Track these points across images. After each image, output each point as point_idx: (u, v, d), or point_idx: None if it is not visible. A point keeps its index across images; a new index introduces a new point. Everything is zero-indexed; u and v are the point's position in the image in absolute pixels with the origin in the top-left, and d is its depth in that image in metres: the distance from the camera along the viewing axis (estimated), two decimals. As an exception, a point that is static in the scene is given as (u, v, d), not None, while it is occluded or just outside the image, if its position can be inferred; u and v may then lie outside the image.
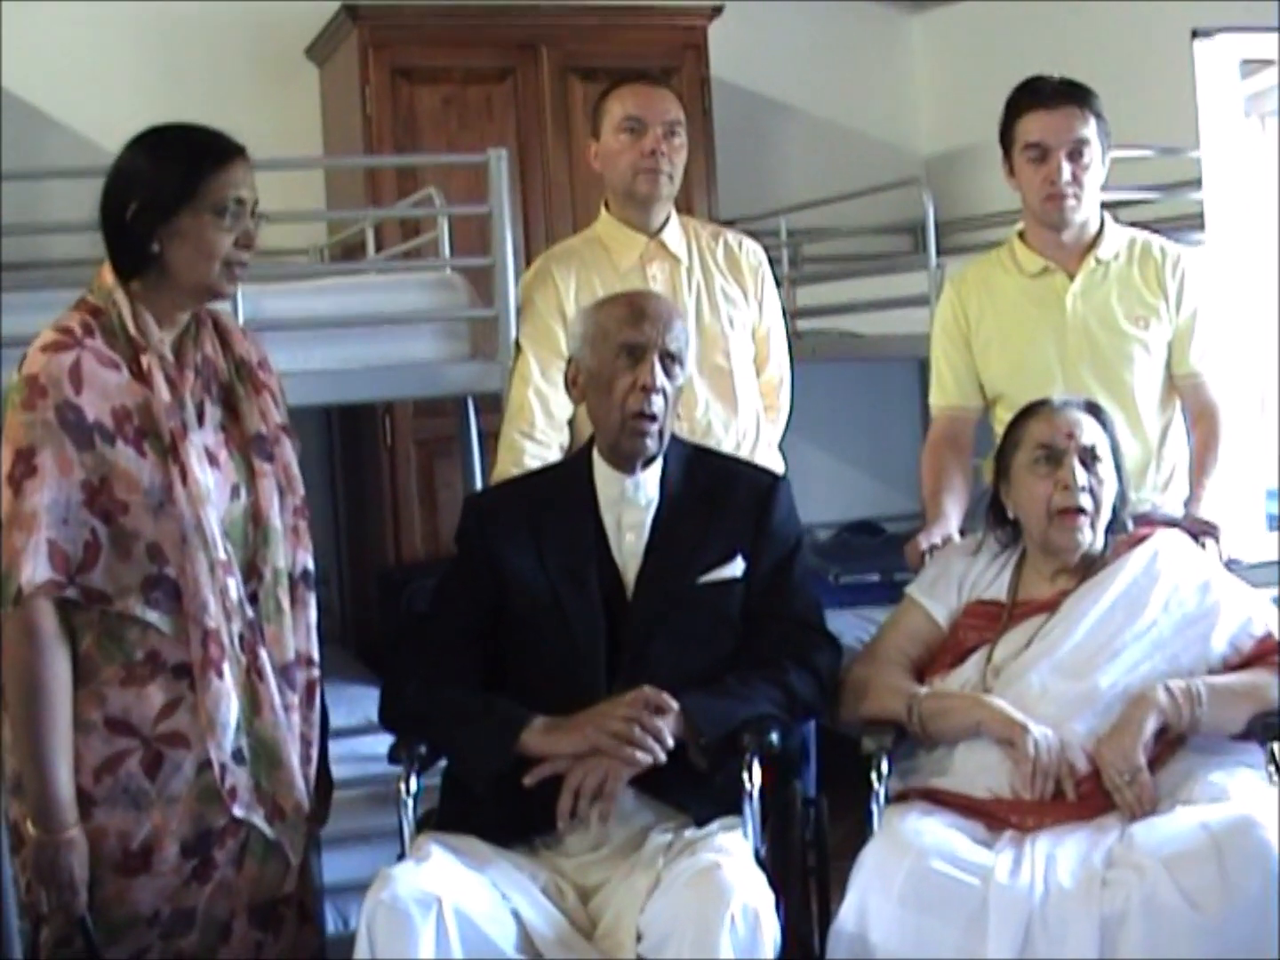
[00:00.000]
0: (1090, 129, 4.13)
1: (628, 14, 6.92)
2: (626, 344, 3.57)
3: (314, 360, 4.50)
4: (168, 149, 3.31)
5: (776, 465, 4.53)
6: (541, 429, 4.32)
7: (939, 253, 5.84)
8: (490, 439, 4.55)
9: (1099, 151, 4.16)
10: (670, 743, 3.33)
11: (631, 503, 3.62)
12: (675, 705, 3.35)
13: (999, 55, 6.93)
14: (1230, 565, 4.03)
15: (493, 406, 4.64)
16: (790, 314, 6.44)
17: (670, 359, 3.57)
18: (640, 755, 3.30)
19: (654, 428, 3.57)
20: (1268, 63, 5.47)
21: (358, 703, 4.78)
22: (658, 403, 3.56)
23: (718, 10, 7.06)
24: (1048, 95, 4.15)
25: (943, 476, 4.31)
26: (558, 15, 6.85)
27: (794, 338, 6.25)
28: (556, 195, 6.77)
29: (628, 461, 3.62)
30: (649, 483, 3.64)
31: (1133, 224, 4.49)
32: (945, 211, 7.24)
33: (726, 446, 4.39)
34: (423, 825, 3.50)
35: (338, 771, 3.71)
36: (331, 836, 3.81)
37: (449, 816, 3.50)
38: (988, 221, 6.81)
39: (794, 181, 7.51)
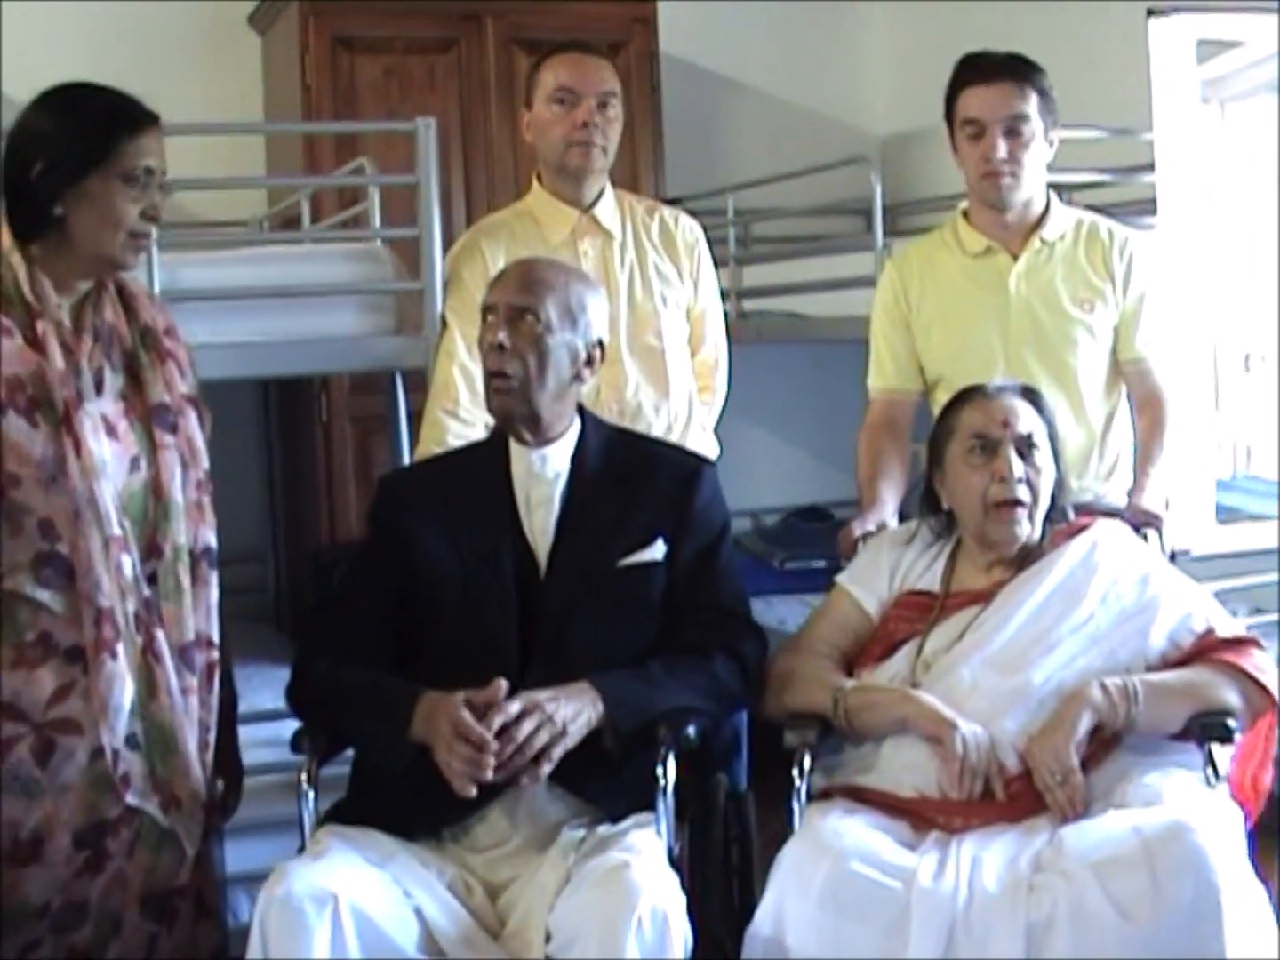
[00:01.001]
0: (1030, 105, 4.00)
1: (575, -15, 6.78)
2: (486, 306, 3.53)
3: (233, 332, 4.36)
4: (81, 109, 3.18)
5: (709, 449, 4.41)
6: (466, 407, 4.19)
7: (893, 234, 5.74)
8: (419, 419, 4.41)
9: (1040, 129, 4.03)
10: (494, 743, 3.17)
11: (539, 478, 3.50)
12: (513, 710, 3.20)
13: (956, 34, 6.74)
14: (1177, 557, 3.94)
15: (421, 385, 4.49)
16: (736, 294, 6.37)
17: (521, 315, 3.45)
18: (467, 787, 3.18)
19: (504, 384, 3.46)
20: (1227, 46, 5.36)
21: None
22: (505, 362, 3.45)
23: (667, -17, 6.92)
24: (985, 71, 4.03)
25: (879, 462, 4.19)
26: (503, -15, 6.71)
27: (740, 318, 6.21)
28: (500, 168, 6.62)
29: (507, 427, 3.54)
30: (556, 457, 3.51)
31: (1088, 207, 4.38)
32: (901, 193, 7.16)
33: (657, 429, 4.28)
34: (331, 815, 3.37)
35: (263, 756, 3.64)
36: (253, 823, 3.74)
37: (354, 807, 3.37)
38: (944, 203, 6.60)
39: (745, 161, 7.36)
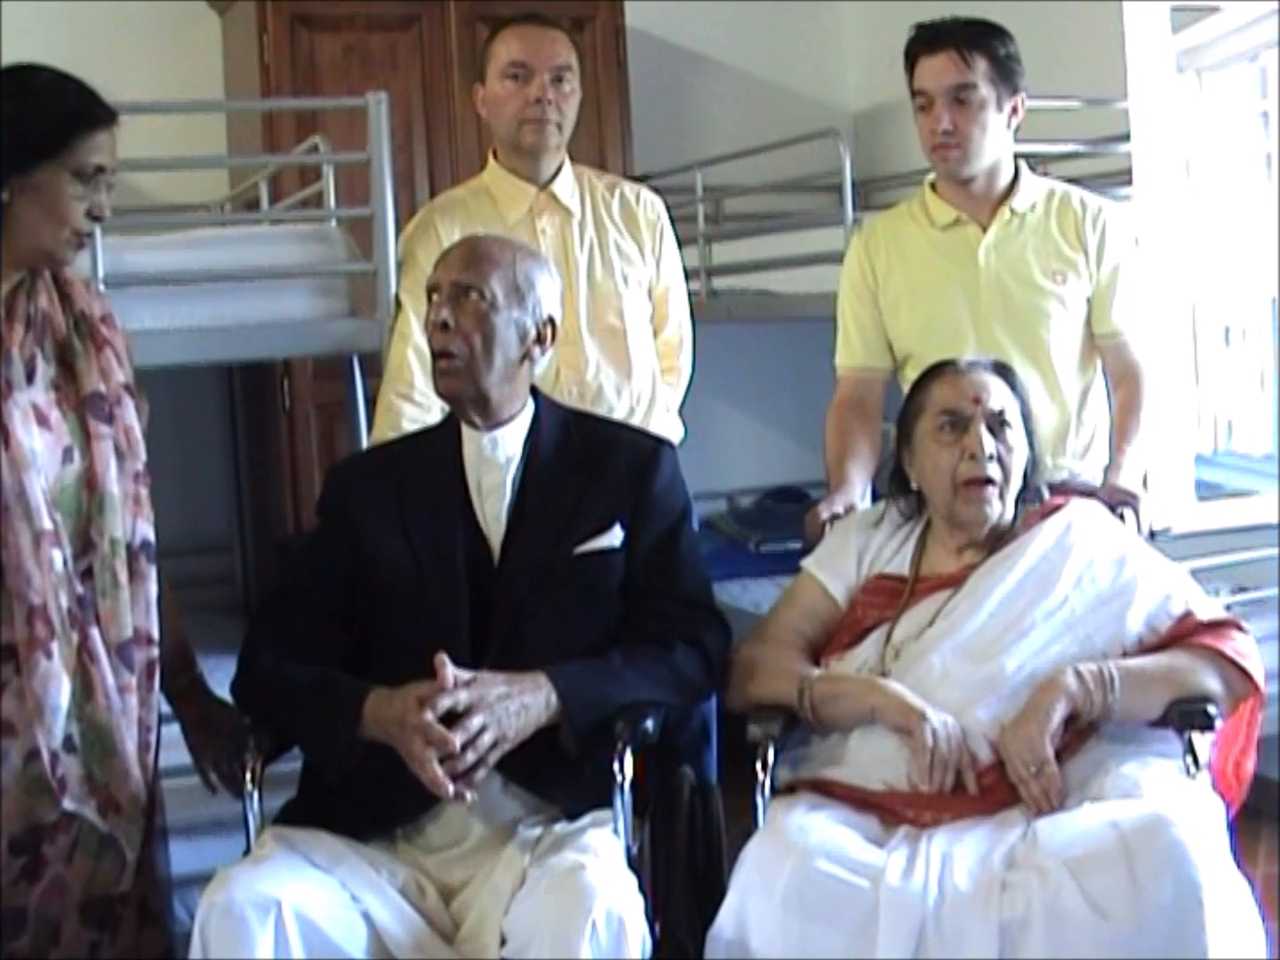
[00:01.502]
0: (978, 73, 3.88)
1: (539, -41, 6.64)
2: (430, 285, 3.43)
3: (180, 317, 4.23)
4: (41, 97, 3.05)
5: (674, 431, 4.31)
6: (421, 390, 4.06)
7: (866, 209, 5.63)
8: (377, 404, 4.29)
9: (991, 97, 3.91)
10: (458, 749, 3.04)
11: (490, 462, 3.38)
12: (462, 700, 3.07)
13: (929, 5, 6.64)
14: (1157, 536, 3.83)
15: (380, 369, 4.36)
16: (706, 272, 6.25)
17: (466, 293, 3.33)
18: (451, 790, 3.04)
19: (449, 364, 3.34)
20: (1202, 14, 5.26)
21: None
22: (450, 341, 3.33)
23: (634, -43, 6.78)
24: (930, 40, 3.94)
25: (847, 442, 4.09)
26: (466, -40, 6.58)
27: (710, 297, 6.09)
28: (463, 147, 6.49)
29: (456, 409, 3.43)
30: (508, 440, 3.39)
31: (1064, 179, 4.27)
32: (874, 167, 7.05)
33: (619, 411, 4.18)
34: (281, 817, 3.25)
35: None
36: (208, 822, 3.68)
37: (304, 808, 3.25)
38: (917, 178, 6.40)
39: (715, 137, 7.22)
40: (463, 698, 3.06)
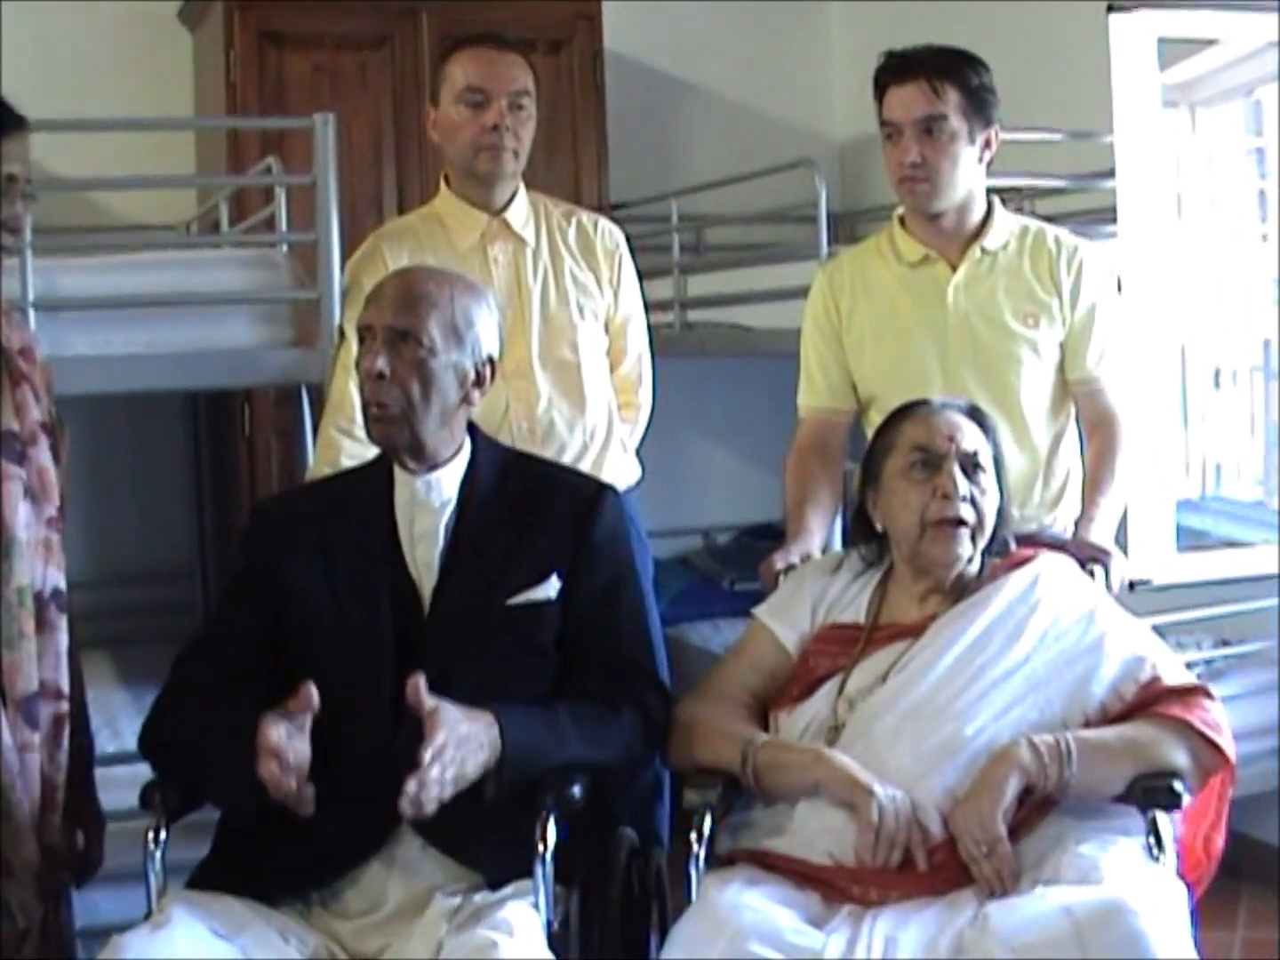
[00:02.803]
0: (948, 104, 3.72)
1: (516, -22, 6.49)
2: (362, 326, 3.23)
3: (115, 344, 4.10)
4: None
5: (630, 472, 4.15)
6: (363, 425, 3.87)
7: (850, 241, 5.46)
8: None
9: (963, 130, 3.74)
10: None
11: (424, 506, 3.19)
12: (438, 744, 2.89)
13: (917, 33, 6.46)
14: (1136, 587, 3.67)
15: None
16: (680, 304, 6.10)
17: (403, 338, 3.13)
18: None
19: (384, 414, 3.15)
20: (1195, 48, 5.11)
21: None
22: (385, 392, 3.13)
23: (613, -23, 6.63)
24: (899, 70, 3.78)
25: (808, 487, 3.91)
26: (440, -22, 6.42)
27: (684, 330, 5.94)
28: (435, 169, 6.24)
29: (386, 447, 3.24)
30: (446, 482, 3.21)
31: (1046, 217, 4.11)
32: (860, 199, 6.92)
33: (571, 448, 4.02)
34: (194, 879, 3.08)
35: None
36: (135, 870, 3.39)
37: (217, 869, 3.08)
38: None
39: (695, 165, 7.06)
40: (439, 741, 2.89)
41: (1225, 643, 5.32)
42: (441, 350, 3.14)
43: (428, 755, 2.84)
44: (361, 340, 3.20)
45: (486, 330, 3.22)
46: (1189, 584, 4.74)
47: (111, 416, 6.21)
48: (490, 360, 3.22)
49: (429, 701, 2.89)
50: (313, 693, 2.90)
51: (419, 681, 2.90)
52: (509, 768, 2.95)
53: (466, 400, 3.20)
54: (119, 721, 4.77)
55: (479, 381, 3.21)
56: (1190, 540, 4.86)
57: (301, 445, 4.45)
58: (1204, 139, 5.46)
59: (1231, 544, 5.11)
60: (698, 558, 7.18)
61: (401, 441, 3.16)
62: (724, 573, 6.86)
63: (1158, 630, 4.71)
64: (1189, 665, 4.89)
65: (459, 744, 2.89)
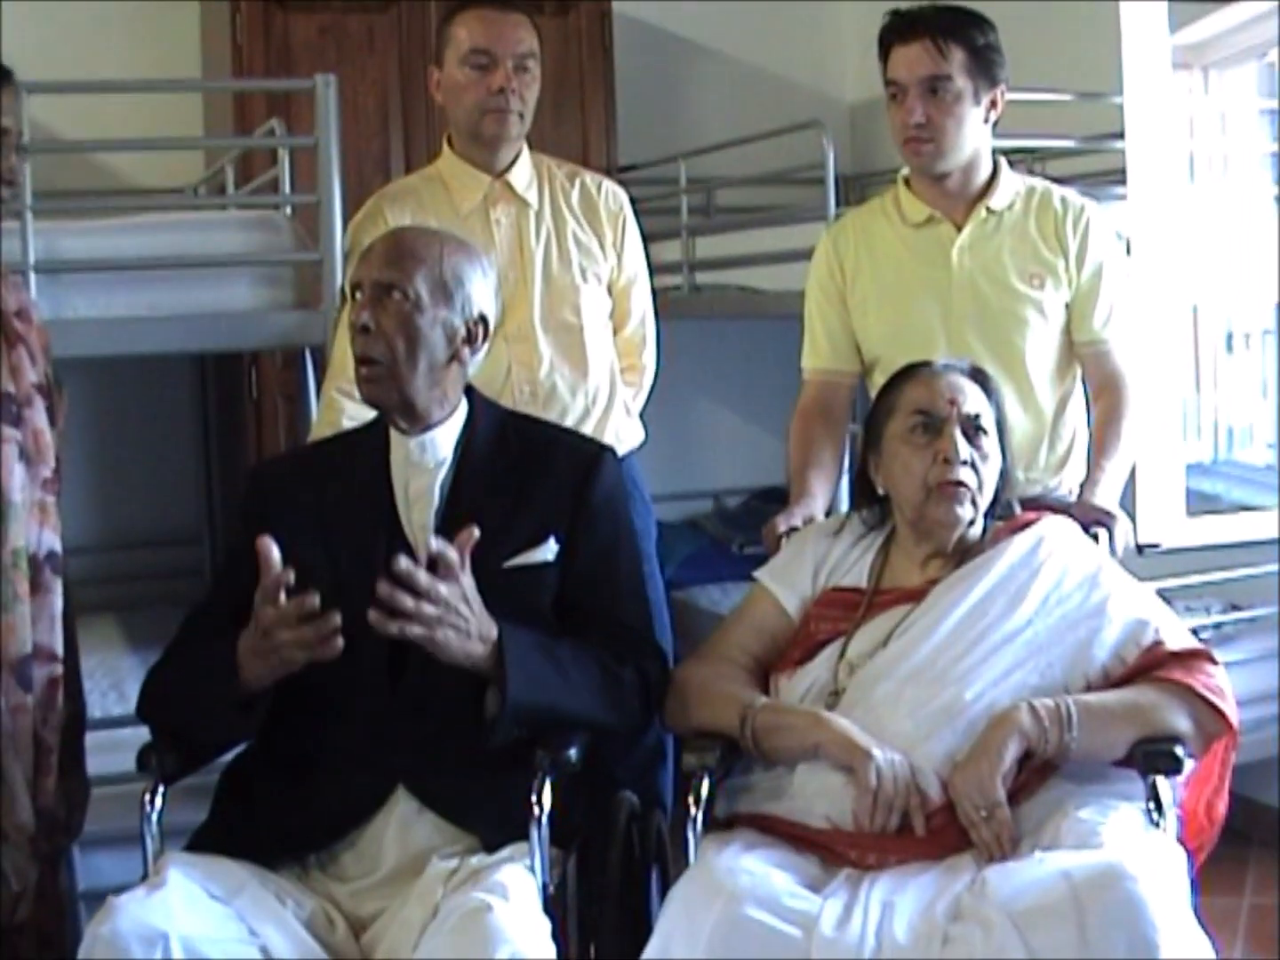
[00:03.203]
0: (953, 64, 3.68)
1: (522, -62, 6.45)
2: (353, 283, 3.22)
3: (116, 307, 4.09)
4: None
5: (633, 434, 4.14)
6: None
7: (858, 203, 5.41)
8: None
9: (968, 90, 3.70)
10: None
11: (418, 467, 3.17)
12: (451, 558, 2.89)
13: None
14: (1145, 551, 3.64)
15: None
16: (689, 266, 6.07)
17: (388, 292, 3.11)
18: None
19: (371, 371, 3.12)
20: (1206, 9, 5.08)
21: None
22: (371, 346, 3.11)
23: (622, -63, 6.58)
24: (903, 29, 3.73)
25: (811, 449, 3.89)
26: (446, -61, 6.37)
27: (692, 292, 5.91)
28: (442, 131, 6.26)
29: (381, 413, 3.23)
30: (441, 442, 3.18)
31: (1057, 178, 4.08)
32: (871, 161, 6.88)
33: (574, 412, 4.01)
34: (194, 841, 3.06)
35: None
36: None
37: (215, 833, 3.07)
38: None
39: (704, 127, 6.99)
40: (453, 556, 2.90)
41: (1235, 607, 5.29)
42: (428, 306, 3.11)
43: (424, 579, 2.84)
44: (353, 297, 3.18)
45: (479, 290, 3.18)
46: (1199, 548, 4.70)
47: (120, 381, 6.21)
48: (483, 319, 3.19)
49: (452, 554, 2.89)
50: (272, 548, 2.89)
51: (474, 533, 2.90)
52: (508, 692, 2.92)
53: (457, 359, 3.17)
54: (126, 685, 4.76)
55: (470, 340, 3.17)
56: (1202, 504, 4.83)
57: (306, 408, 4.44)
58: (1216, 101, 5.42)
59: (1243, 508, 5.08)
60: (707, 521, 7.17)
61: (389, 399, 3.13)
62: (733, 536, 6.83)
63: (1166, 594, 4.73)
64: (1198, 630, 4.90)
65: (450, 608, 2.88)
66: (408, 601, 2.83)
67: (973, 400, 3.25)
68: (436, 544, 2.88)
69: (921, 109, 3.69)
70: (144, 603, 5.96)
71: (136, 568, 6.37)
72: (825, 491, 3.81)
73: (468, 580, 2.91)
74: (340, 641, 2.86)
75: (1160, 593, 4.53)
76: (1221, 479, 5.31)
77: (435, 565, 2.88)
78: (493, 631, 2.95)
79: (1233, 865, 5.02)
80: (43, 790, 3.00)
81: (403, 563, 2.83)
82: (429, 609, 2.85)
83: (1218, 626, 5.21)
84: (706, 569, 6.69)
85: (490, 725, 2.94)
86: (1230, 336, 5.41)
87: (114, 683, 4.83)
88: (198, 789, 3.19)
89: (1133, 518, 3.79)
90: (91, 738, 3.62)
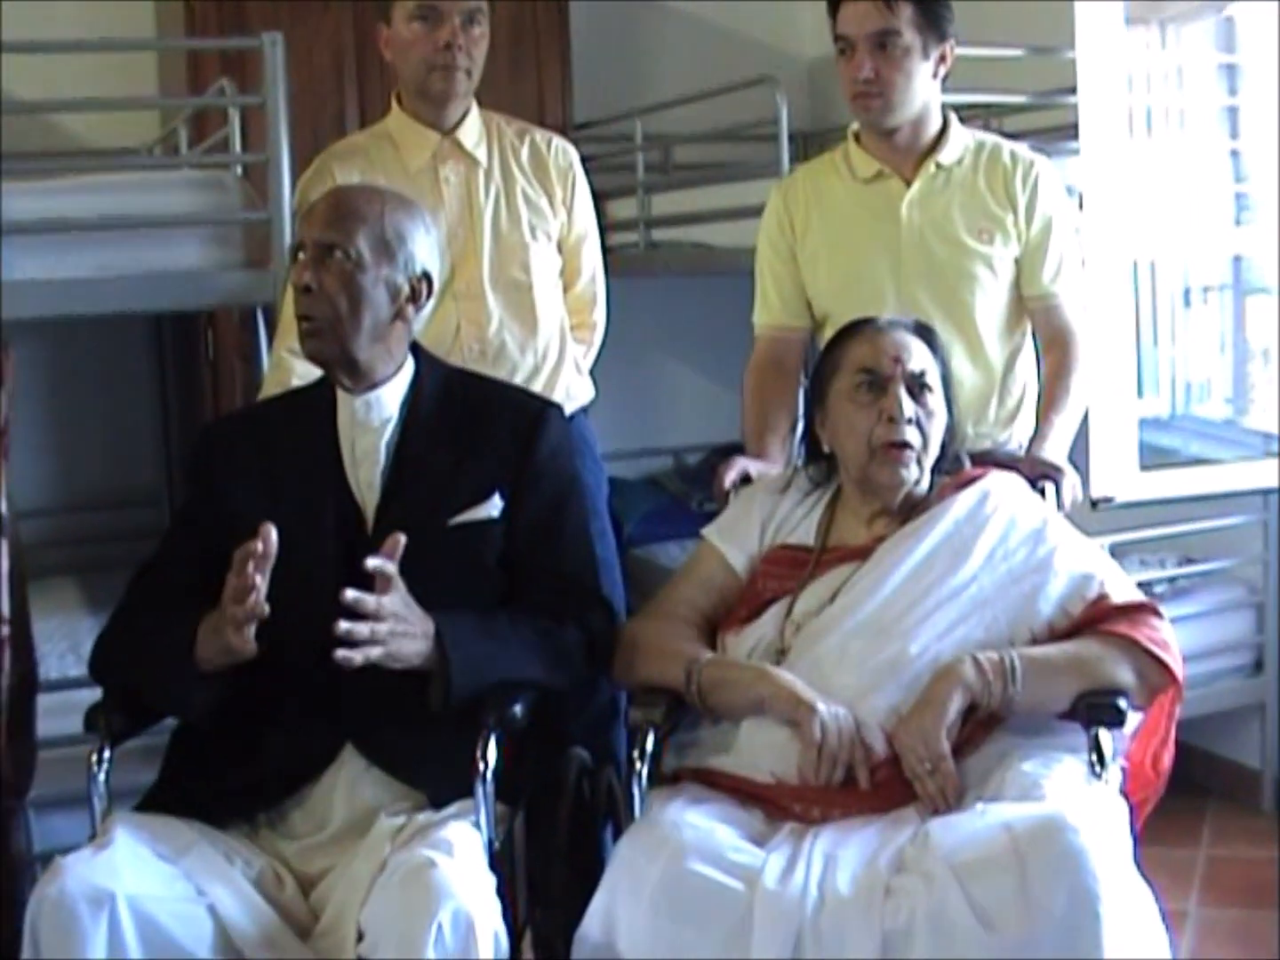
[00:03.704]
0: (902, 18, 3.66)
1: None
2: (296, 243, 3.21)
3: (65, 267, 4.06)
4: None
5: (582, 391, 4.14)
6: None
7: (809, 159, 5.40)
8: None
9: (916, 44, 3.69)
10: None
11: (364, 426, 3.16)
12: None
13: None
14: (1099, 505, 3.64)
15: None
16: (645, 224, 6.04)
17: (330, 251, 3.10)
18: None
19: (312, 328, 3.12)
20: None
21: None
22: (313, 306, 3.10)
23: (577, -110, 6.53)
24: None
25: (765, 411, 3.91)
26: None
27: (648, 249, 5.89)
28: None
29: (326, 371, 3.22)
30: (387, 401, 3.17)
31: (1010, 133, 4.07)
32: (829, 118, 6.82)
33: (523, 370, 4.01)
34: (145, 802, 3.07)
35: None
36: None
37: (164, 793, 3.07)
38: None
39: (662, 84, 6.93)
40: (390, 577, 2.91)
41: (1190, 560, 5.31)
42: (370, 264, 3.09)
43: (371, 602, 2.85)
44: (296, 257, 3.16)
45: (422, 247, 3.17)
46: (1153, 501, 4.71)
47: (77, 343, 6.18)
48: (427, 276, 3.17)
49: (389, 568, 2.89)
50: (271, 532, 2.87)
51: (400, 541, 2.90)
52: (451, 677, 2.94)
53: (401, 316, 3.16)
54: (84, 647, 4.68)
55: (414, 297, 3.16)
56: (1160, 459, 4.82)
57: (258, 368, 4.40)
58: (1174, 55, 5.40)
59: (1201, 462, 5.08)
60: (667, 478, 7.17)
61: (332, 356, 3.13)
62: (692, 494, 6.83)
63: (1122, 548, 4.74)
64: (1153, 583, 4.92)
65: (398, 618, 2.89)
66: (364, 630, 2.85)
67: (918, 357, 3.25)
68: (373, 563, 2.87)
69: (870, 64, 3.67)
70: (103, 565, 5.92)
71: (95, 530, 6.34)
72: (780, 454, 3.81)
73: (401, 584, 2.92)
74: (253, 646, 2.87)
75: (1115, 546, 4.58)
76: (1180, 433, 5.29)
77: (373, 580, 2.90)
78: (430, 625, 2.96)
79: (1190, 817, 5.05)
80: (-13, 751, 3.00)
81: (349, 594, 2.83)
82: (382, 628, 2.87)
83: (1173, 580, 5.23)
84: (666, 526, 6.67)
85: (438, 706, 2.96)
86: (1188, 291, 5.39)
87: (72, 645, 4.81)
88: (151, 750, 3.19)
89: (1083, 472, 3.80)
90: (48, 699, 3.63)
